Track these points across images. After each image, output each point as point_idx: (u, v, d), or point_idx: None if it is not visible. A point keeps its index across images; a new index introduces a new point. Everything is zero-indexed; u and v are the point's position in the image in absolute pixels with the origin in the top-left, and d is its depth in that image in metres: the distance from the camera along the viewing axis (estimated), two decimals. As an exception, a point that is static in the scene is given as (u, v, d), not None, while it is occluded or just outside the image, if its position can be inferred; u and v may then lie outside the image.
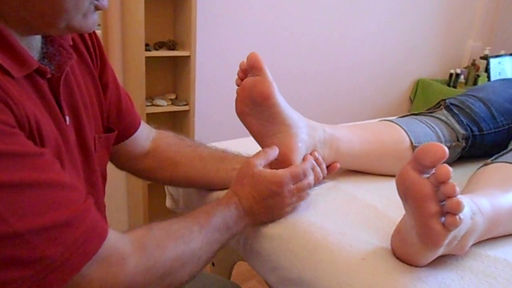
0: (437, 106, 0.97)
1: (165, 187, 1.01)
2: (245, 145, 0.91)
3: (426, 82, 2.63)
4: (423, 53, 2.65)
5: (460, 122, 0.91)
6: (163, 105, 1.67)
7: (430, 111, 0.96)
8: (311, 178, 0.75)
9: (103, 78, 0.68)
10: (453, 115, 0.92)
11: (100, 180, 0.65)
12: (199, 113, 1.77)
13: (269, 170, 0.67)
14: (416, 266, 0.55)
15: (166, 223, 0.56)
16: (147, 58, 1.54)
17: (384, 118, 0.94)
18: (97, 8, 0.52)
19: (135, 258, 0.49)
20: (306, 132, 0.76)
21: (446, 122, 0.91)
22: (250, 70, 0.73)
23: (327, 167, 0.79)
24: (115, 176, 0.71)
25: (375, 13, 2.34)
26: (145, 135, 0.79)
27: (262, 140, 0.76)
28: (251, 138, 0.87)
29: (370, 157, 0.83)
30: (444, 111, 0.94)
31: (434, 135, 0.87)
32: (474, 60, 2.62)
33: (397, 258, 0.57)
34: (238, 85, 0.76)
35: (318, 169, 0.76)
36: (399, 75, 2.61)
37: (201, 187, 0.81)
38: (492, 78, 2.47)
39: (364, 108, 2.52)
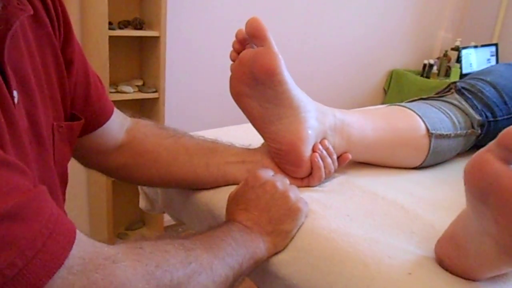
0: (447, 89, 0.87)
1: (139, 186, 0.86)
2: (235, 134, 0.78)
3: (400, 72, 2.58)
4: (396, 44, 2.61)
5: (474, 107, 0.81)
6: (129, 92, 1.49)
7: (440, 95, 0.87)
8: (322, 172, 0.63)
9: (67, 52, 0.52)
10: (466, 99, 0.83)
11: (58, 182, 0.49)
12: (169, 101, 1.61)
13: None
14: (474, 280, 0.44)
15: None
16: (111, 38, 1.36)
17: (392, 104, 0.84)
18: None
19: (130, 261, 0.35)
20: (316, 117, 0.63)
21: (459, 107, 0.81)
22: (250, 40, 0.60)
23: (337, 158, 0.67)
24: (72, 173, 0.54)
25: (347, 5, 2.26)
26: (118, 125, 0.63)
27: (264, 127, 0.63)
28: (243, 126, 0.74)
29: (384, 146, 0.72)
30: (456, 95, 0.84)
31: (449, 121, 0.78)
32: (446, 51, 2.61)
33: (446, 269, 0.46)
34: (233, 60, 0.62)
35: (329, 160, 0.64)
36: (372, 66, 2.56)
37: (188, 186, 0.67)
38: (464, 69, 2.45)
39: (338, 99, 2.44)
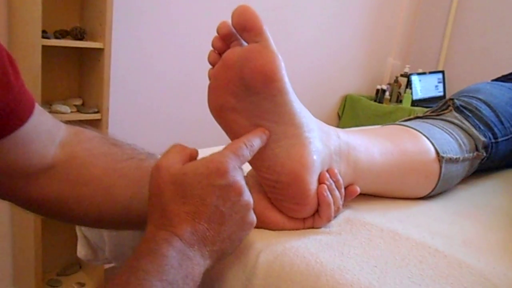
0: (445, 107, 0.77)
1: (77, 227, 0.67)
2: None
3: (354, 98, 2.57)
4: (349, 70, 2.61)
5: (476, 127, 0.72)
6: (66, 112, 1.29)
7: (437, 113, 0.77)
8: (331, 210, 0.49)
9: None
10: (467, 118, 0.73)
11: None
12: (114, 123, 1.41)
13: (194, 162, 0.40)
14: None
15: None
16: (44, 48, 1.15)
17: (390, 123, 0.72)
18: None
19: None
20: (319, 138, 0.49)
21: (462, 127, 0.72)
22: (240, 34, 0.45)
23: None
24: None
25: (301, 32, 2.24)
26: (46, 134, 0.44)
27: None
28: (213, 150, 0.58)
29: (393, 174, 0.59)
30: (455, 113, 0.75)
31: (455, 143, 0.67)
32: (396, 77, 2.64)
33: None
34: (213, 64, 0.47)
35: (337, 194, 0.50)
36: (326, 91, 2.53)
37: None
38: (414, 95, 2.48)
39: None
